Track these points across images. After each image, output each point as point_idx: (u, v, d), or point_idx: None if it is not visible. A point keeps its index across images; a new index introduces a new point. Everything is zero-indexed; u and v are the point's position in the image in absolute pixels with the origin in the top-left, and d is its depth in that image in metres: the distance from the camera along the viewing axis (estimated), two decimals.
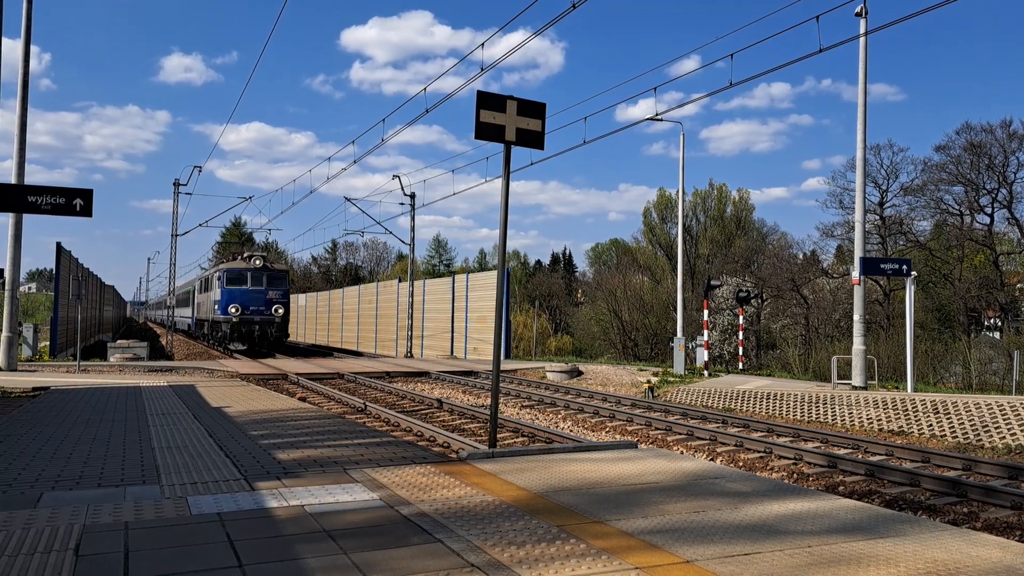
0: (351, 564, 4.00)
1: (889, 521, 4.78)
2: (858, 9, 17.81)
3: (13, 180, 19.67)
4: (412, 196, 34.70)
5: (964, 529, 4.62)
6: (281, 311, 33.00)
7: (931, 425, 13.96)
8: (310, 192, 34.43)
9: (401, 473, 6.41)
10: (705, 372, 23.42)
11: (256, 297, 32.61)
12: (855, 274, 18.60)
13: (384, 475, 6.33)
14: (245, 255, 34.91)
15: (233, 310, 32.02)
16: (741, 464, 11.15)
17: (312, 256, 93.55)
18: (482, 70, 16.67)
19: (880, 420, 14.78)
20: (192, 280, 53.10)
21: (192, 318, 46.01)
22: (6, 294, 20.59)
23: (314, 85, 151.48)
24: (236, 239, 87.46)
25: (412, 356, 34.60)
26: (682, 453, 11.70)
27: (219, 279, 33.12)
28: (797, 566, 3.91)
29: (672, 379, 22.16)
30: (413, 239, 35.87)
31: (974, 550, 4.17)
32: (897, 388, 18.85)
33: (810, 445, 12.36)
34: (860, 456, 11.35)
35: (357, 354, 40.79)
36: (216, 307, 33.31)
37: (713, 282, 27.42)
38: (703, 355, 24.02)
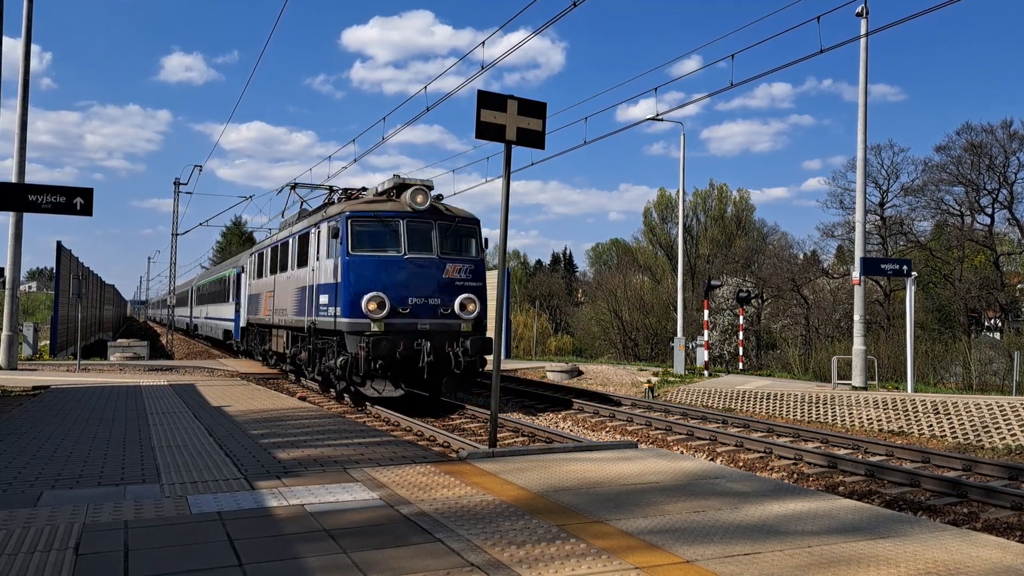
0: (351, 563, 4.00)
1: (889, 521, 4.78)
2: (859, 10, 17.81)
3: (14, 179, 19.67)
4: None
5: (964, 529, 4.62)
6: (475, 309, 15.33)
7: (931, 425, 13.95)
8: (311, 191, 34.38)
9: (401, 472, 6.40)
10: (705, 372, 23.42)
11: (424, 278, 15.08)
12: (855, 274, 18.59)
13: (384, 474, 6.33)
14: (385, 184, 16.49)
15: (372, 306, 14.41)
16: (741, 464, 11.15)
17: None
18: (482, 69, 16.67)
19: (880, 420, 14.77)
20: (240, 255, 32.58)
21: (236, 322, 27.67)
22: (7, 293, 20.59)
23: (315, 85, 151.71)
24: (237, 238, 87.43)
25: None
26: (682, 453, 11.70)
27: (332, 233, 15.30)
28: (797, 566, 3.91)
29: (672, 379, 22.15)
30: None
31: (974, 550, 4.17)
32: (897, 388, 18.84)
33: (810, 445, 12.35)
34: (860, 456, 11.35)
35: None
36: (325, 299, 15.71)
37: (713, 282, 27.43)
38: (703, 355, 24.01)
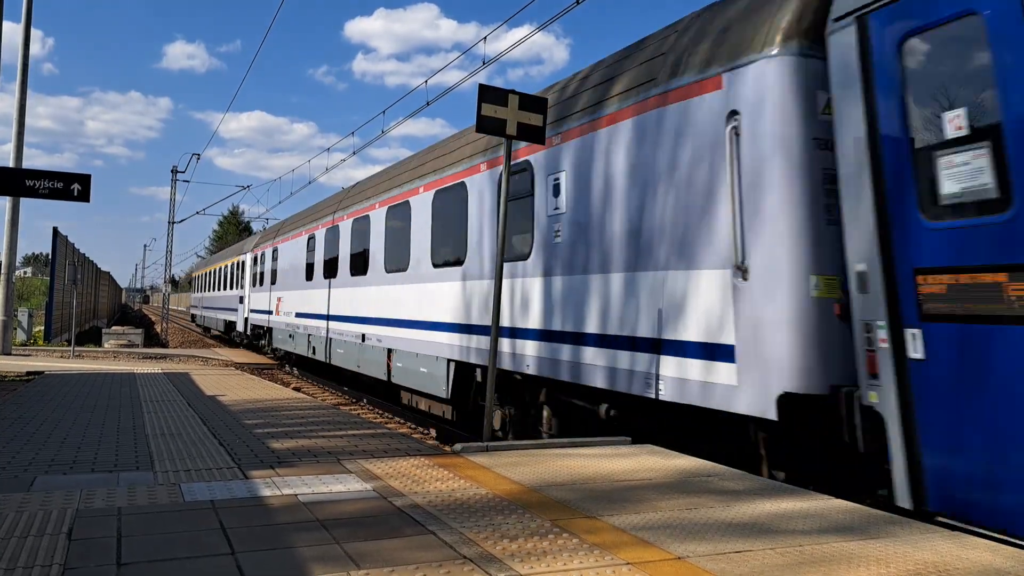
0: (343, 554, 4.01)
1: (881, 522, 4.80)
2: None
3: (11, 164, 19.62)
4: None
5: (955, 532, 4.64)
6: None
7: None
8: (309, 183, 34.38)
9: (395, 464, 6.41)
10: None
11: None
12: None
13: (378, 466, 6.34)
14: None
15: None
16: None
17: None
18: (484, 64, 16.68)
19: None
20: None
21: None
22: (1, 278, 20.56)
23: (317, 76, 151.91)
24: (234, 227, 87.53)
25: None
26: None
27: None
28: (788, 565, 3.93)
29: None
30: None
31: (964, 552, 4.19)
32: None
33: None
34: None
35: None
36: None
37: None
38: None
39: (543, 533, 4.44)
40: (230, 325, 30.79)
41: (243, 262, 26.44)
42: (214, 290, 35.10)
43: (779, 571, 3.84)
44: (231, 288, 29.61)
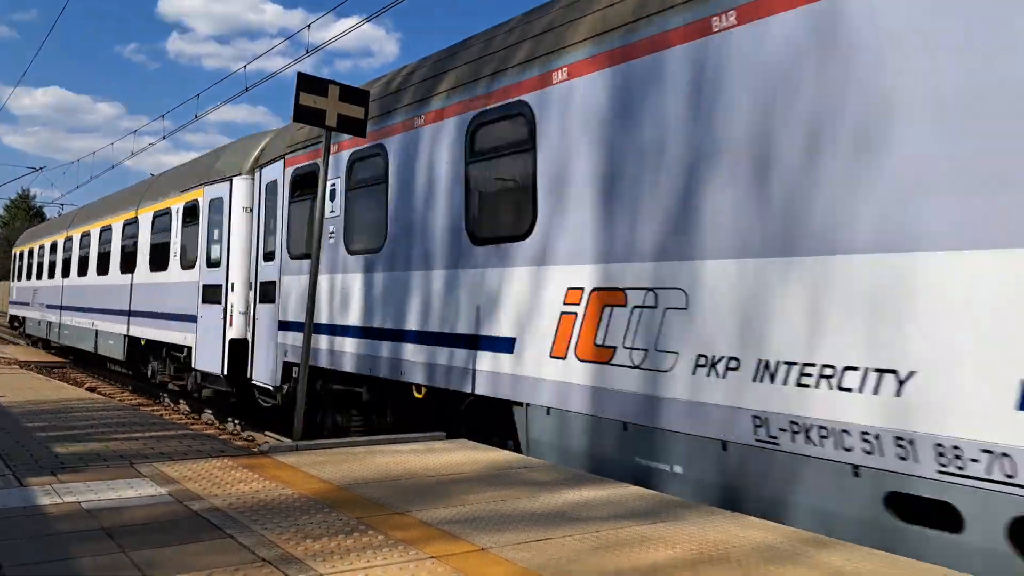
0: (130, 563, 3.75)
1: (672, 506, 5.13)
2: None
3: None
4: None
5: (735, 513, 5.04)
6: None
7: None
8: (112, 167, 31.84)
9: (195, 467, 6.08)
10: None
11: None
12: None
13: (175, 469, 5.98)
14: None
15: None
16: None
17: None
18: (307, 52, 16.22)
19: None
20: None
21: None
22: None
23: (126, 53, 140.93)
24: (23, 212, 79.79)
25: None
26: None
27: None
28: (584, 550, 4.11)
29: None
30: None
31: (743, 532, 4.56)
32: None
33: None
34: None
35: None
36: None
37: None
38: None
39: (348, 531, 4.37)
40: (143, 349, 16.56)
41: (221, 200, 13.00)
42: (95, 273, 19.60)
43: (576, 556, 4.00)
44: (159, 267, 15.43)
